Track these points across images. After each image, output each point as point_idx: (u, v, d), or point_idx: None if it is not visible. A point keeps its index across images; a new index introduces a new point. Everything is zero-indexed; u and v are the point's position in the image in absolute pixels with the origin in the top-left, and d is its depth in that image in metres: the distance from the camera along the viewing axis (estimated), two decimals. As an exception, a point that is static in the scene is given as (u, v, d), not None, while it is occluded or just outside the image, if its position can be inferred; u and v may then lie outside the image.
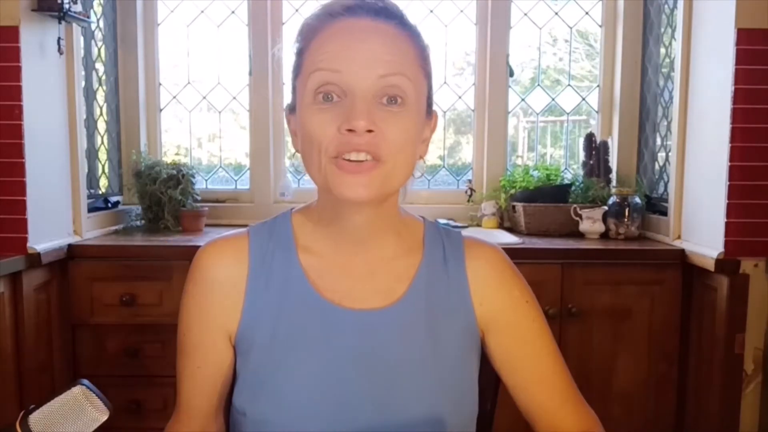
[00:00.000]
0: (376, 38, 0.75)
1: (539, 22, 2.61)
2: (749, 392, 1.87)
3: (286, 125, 0.87)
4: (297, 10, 2.56)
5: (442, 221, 2.46)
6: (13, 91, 1.79)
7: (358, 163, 0.73)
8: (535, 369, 0.86)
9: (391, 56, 0.75)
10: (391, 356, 0.79)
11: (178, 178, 2.38)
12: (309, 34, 0.78)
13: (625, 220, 2.25)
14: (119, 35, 2.53)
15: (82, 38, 2.16)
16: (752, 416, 1.87)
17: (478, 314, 0.85)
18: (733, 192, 1.81)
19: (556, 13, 2.61)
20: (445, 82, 2.63)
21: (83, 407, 0.64)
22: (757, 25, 1.77)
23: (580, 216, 2.30)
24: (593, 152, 2.47)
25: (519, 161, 2.70)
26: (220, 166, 2.71)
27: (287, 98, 0.84)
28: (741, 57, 1.78)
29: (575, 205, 2.32)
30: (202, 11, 2.61)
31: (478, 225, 2.49)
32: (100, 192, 2.42)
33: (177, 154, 2.72)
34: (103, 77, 2.43)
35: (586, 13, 2.60)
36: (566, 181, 2.47)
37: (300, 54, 0.79)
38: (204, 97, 2.65)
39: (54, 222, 1.98)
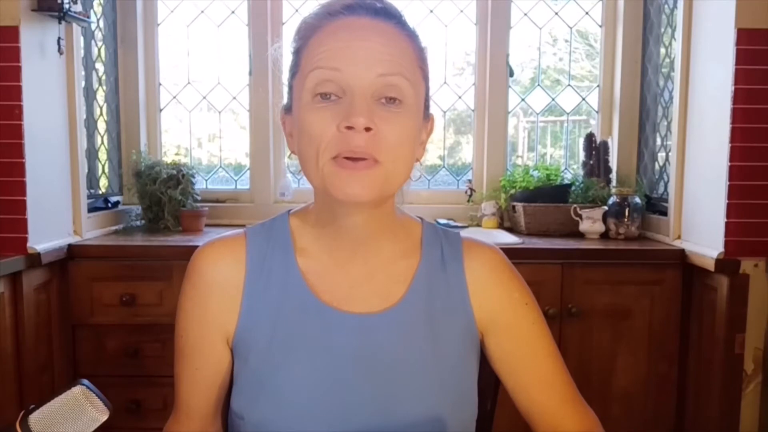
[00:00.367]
0: (376, 37, 0.75)
1: (539, 22, 2.61)
2: (749, 392, 1.87)
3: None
4: (297, 10, 2.56)
5: (442, 221, 2.46)
6: (13, 91, 1.79)
7: (356, 161, 0.72)
8: (534, 370, 0.86)
9: (390, 56, 0.75)
10: (391, 359, 0.79)
11: (178, 178, 2.38)
12: (307, 32, 0.78)
13: (625, 220, 2.25)
14: (119, 35, 2.53)
15: (82, 38, 2.16)
16: (752, 416, 1.87)
17: (477, 316, 0.85)
18: (733, 192, 1.81)
19: (556, 13, 2.61)
20: (445, 82, 2.63)
21: (83, 407, 0.64)
22: (757, 25, 1.77)
23: (580, 216, 2.30)
24: (593, 152, 2.47)
25: (519, 161, 2.70)
26: (220, 166, 2.71)
27: (285, 98, 0.83)
28: (741, 57, 1.78)
29: (575, 205, 2.32)
30: (202, 11, 2.61)
31: (478, 225, 2.49)
32: (100, 192, 2.42)
33: (177, 154, 2.72)
34: (103, 77, 2.43)
35: (586, 13, 2.60)
36: (566, 181, 2.47)
37: (297, 53, 0.79)
38: (204, 97, 2.65)
39: (54, 222, 1.98)
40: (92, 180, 2.36)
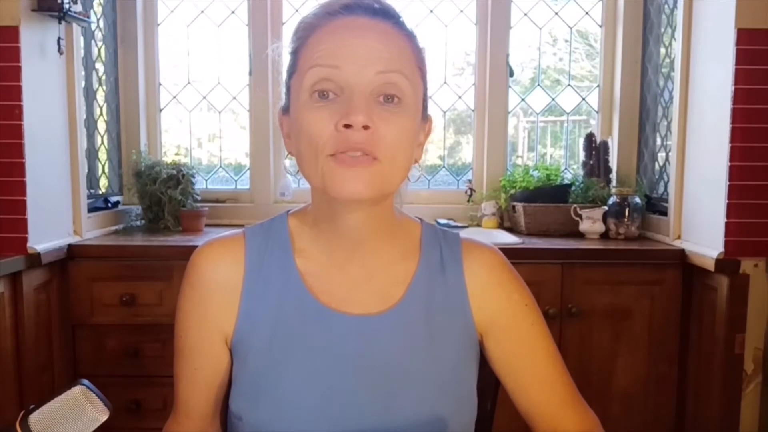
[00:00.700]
0: (374, 36, 0.75)
1: (539, 22, 2.61)
2: (749, 392, 1.87)
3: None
4: (297, 10, 2.56)
5: (442, 221, 2.46)
6: (13, 91, 1.79)
7: (355, 158, 0.72)
8: (534, 371, 0.86)
9: (389, 54, 0.75)
10: (390, 360, 0.79)
11: (178, 178, 2.38)
12: (305, 32, 0.78)
13: (625, 220, 2.25)
14: (119, 35, 2.53)
15: (82, 38, 2.16)
16: (752, 416, 1.87)
17: (476, 317, 0.84)
18: (733, 192, 1.81)
19: (556, 13, 2.61)
20: (445, 82, 2.63)
21: (83, 407, 0.64)
22: (757, 25, 1.77)
23: (580, 216, 2.30)
24: (593, 152, 2.47)
25: (519, 161, 2.70)
26: (220, 166, 2.71)
27: (283, 99, 0.83)
28: (741, 57, 1.78)
29: (575, 205, 2.32)
30: (202, 11, 2.61)
31: (478, 225, 2.49)
32: (100, 192, 2.42)
33: (177, 154, 2.72)
34: (103, 77, 2.43)
35: (586, 13, 2.60)
36: (566, 181, 2.47)
37: (295, 53, 0.79)
38: (204, 97, 2.65)
39: (54, 222, 1.98)
40: (92, 180, 2.36)
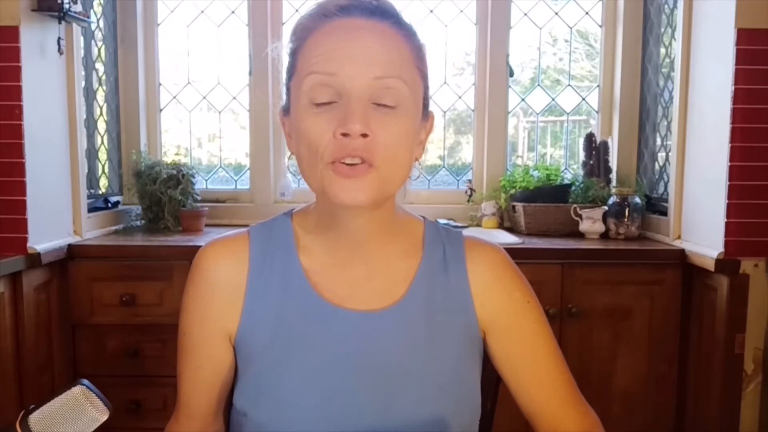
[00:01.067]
0: (371, 38, 0.74)
1: (539, 22, 2.61)
2: (749, 392, 1.87)
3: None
4: (297, 10, 2.56)
5: (442, 221, 2.46)
6: (13, 91, 1.79)
7: (353, 167, 0.72)
8: (536, 370, 0.86)
9: (387, 57, 0.74)
10: (391, 360, 0.79)
11: (178, 178, 2.38)
12: (303, 34, 0.77)
13: (625, 220, 2.25)
14: (119, 35, 2.53)
15: (82, 38, 2.16)
16: (752, 416, 1.87)
17: (479, 315, 0.85)
18: (733, 192, 1.81)
19: (556, 13, 2.61)
20: (445, 82, 2.63)
21: (83, 407, 0.64)
22: (757, 25, 1.77)
23: (580, 216, 2.30)
24: (593, 152, 2.47)
25: (519, 161, 2.70)
26: (220, 166, 2.71)
27: (284, 98, 0.83)
28: (741, 57, 1.78)
29: (575, 205, 2.32)
30: (202, 11, 2.61)
31: (478, 225, 2.49)
32: (100, 192, 2.42)
33: (177, 154, 2.72)
34: (103, 77, 2.43)
35: (586, 13, 2.60)
36: (566, 181, 2.47)
37: (294, 54, 0.78)
38: (204, 97, 2.65)
39: (54, 222, 1.98)
40: (92, 180, 2.36)
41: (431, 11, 2.60)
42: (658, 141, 2.38)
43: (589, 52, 2.72)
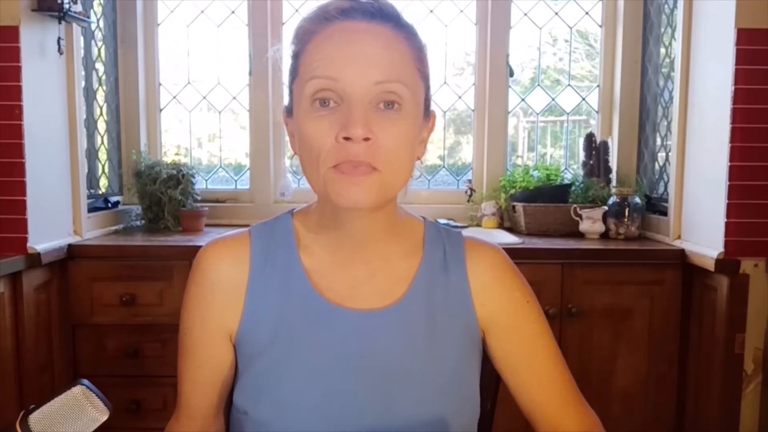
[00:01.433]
0: (372, 42, 0.75)
1: (539, 22, 2.61)
2: (749, 392, 1.87)
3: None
4: (297, 10, 2.56)
5: (442, 221, 2.46)
6: (13, 91, 1.79)
7: (356, 167, 0.73)
8: (535, 370, 0.86)
9: (388, 60, 0.74)
10: (391, 360, 0.79)
11: (178, 178, 2.38)
12: (304, 37, 0.78)
13: (625, 220, 2.25)
14: (119, 35, 2.53)
15: (82, 38, 2.16)
16: (752, 416, 1.87)
17: (479, 315, 0.85)
18: (733, 192, 1.81)
19: (556, 13, 2.61)
20: (445, 82, 2.63)
21: (83, 407, 0.64)
22: (757, 25, 1.77)
23: (580, 216, 2.30)
24: (593, 152, 2.47)
25: (519, 161, 2.70)
26: (220, 166, 2.71)
27: (287, 99, 0.83)
28: (741, 57, 1.78)
29: (575, 205, 2.32)
30: (202, 11, 2.61)
31: (478, 225, 2.49)
32: (100, 192, 2.42)
33: (177, 154, 2.72)
34: (103, 77, 2.43)
35: (586, 13, 2.60)
36: (566, 181, 2.47)
37: (296, 57, 0.79)
38: (204, 97, 2.65)
39: (54, 222, 1.98)
40: (92, 180, 2.36)
41: (431, 11, 2.60)
42: (658, 141, 2.38)
43: (589, 52, 2.72)
